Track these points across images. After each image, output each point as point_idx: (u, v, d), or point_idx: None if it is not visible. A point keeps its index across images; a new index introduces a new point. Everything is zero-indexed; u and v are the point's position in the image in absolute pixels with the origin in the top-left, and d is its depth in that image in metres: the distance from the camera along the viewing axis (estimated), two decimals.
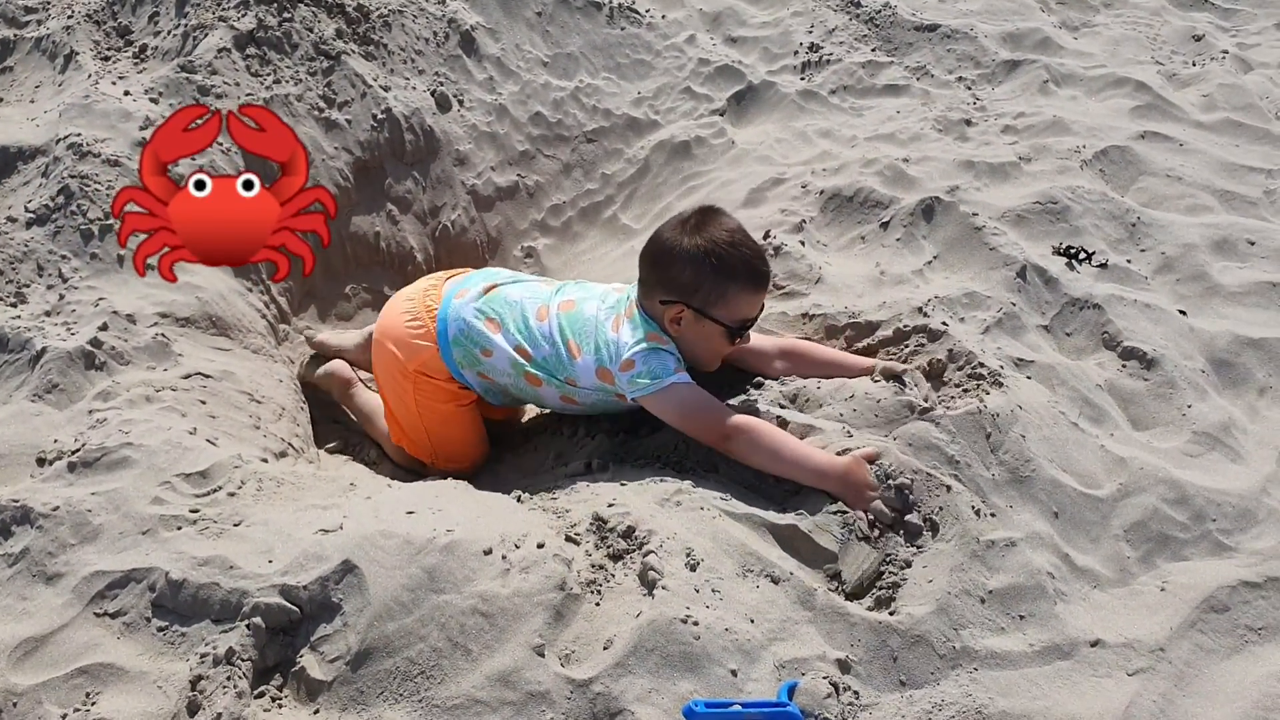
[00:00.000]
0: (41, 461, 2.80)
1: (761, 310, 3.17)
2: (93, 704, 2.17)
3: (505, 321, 3.30)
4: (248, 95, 4.30)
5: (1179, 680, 2.47)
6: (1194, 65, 5.94)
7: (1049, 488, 2.85)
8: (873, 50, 5.98)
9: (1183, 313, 3.72)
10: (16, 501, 2.59)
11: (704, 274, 3.00)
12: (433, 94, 4.95)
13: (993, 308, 3.46)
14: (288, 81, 4.48)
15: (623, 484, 2.84)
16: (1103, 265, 3.85)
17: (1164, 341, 3.49)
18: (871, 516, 2.68)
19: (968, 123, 5.04)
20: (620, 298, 3.26)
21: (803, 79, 5.73)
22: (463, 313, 3.36)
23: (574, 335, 3.20)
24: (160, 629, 2.32)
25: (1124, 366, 3.39)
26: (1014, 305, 3.48)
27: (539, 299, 3.36)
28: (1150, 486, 2.93)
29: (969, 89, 5.59)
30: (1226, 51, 6.12)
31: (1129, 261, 3.94)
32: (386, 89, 4.76)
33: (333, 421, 3.86)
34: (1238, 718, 2.37)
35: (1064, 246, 3.90)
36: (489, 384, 3.38)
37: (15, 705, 2.19)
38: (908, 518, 2.70)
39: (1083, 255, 3.87)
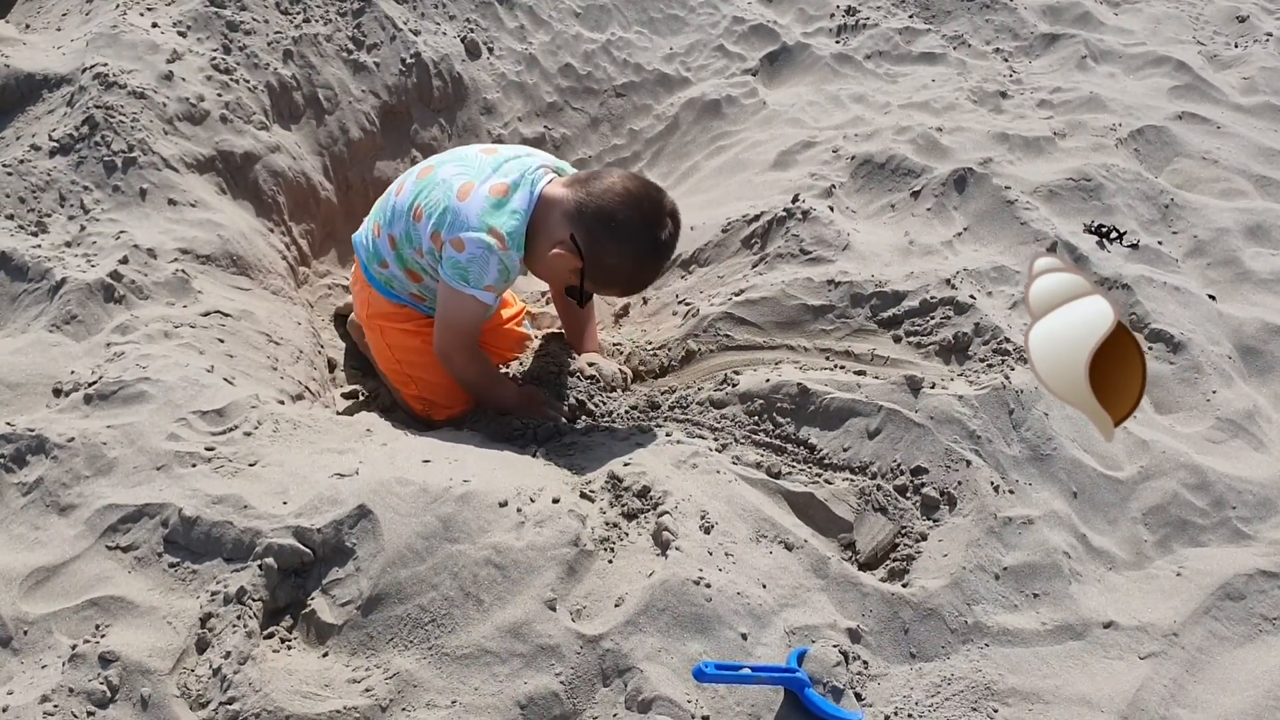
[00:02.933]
0: (58, 392, 2.79)
1: None
2: (102, 636, 2.16)
3: (381, 219, 3.20)
4: (276, 33, 4.26)
5: (1191, 666, 2.45)
6: (1236, 47, 5.84)
7: (1069, 467, 2.83)
8: (910, 17, 5.90)
9: (1212, 297, 3.68)
10: (32, 431, 2.58)
11: (620, 269, 2.97)
12: (463, 40, 4.90)
13: (1021, 283, 3.42)
14: (317, 21, 4.43)
15: (639, 444, 2.82)
16: (1134, 246, 3.80)
17: (1192, 325, 3.44)
18: (552, 422, 3.06)
19: (1003, 95, 4.96)
20: (491, 162, 3.05)
21: (838, 42, 5.65)
22: (362, 235, 3.33)
23: (421, 199, 3.04)
24: (172, 565, 2.32)
25: (1150, 349, 3.35)
26: None
27: (403, 177, 3.22)
28: (1171, 471, 2.90)
29: (1006, 61, 5.51)
30: (1270, 34, 6.01)
31: (1160, 243, 3.89)
32: (416, 33, 4.71)
33: (352, 368, 3.85)
34: (1248, 706, 2.35)
35: (1095, 225, 3.85)
36: (420, 302, 3.30)
37: (26, 633, 2.19)
38: (925, 490, 2.70)
39: (1114, 234, 3.82)
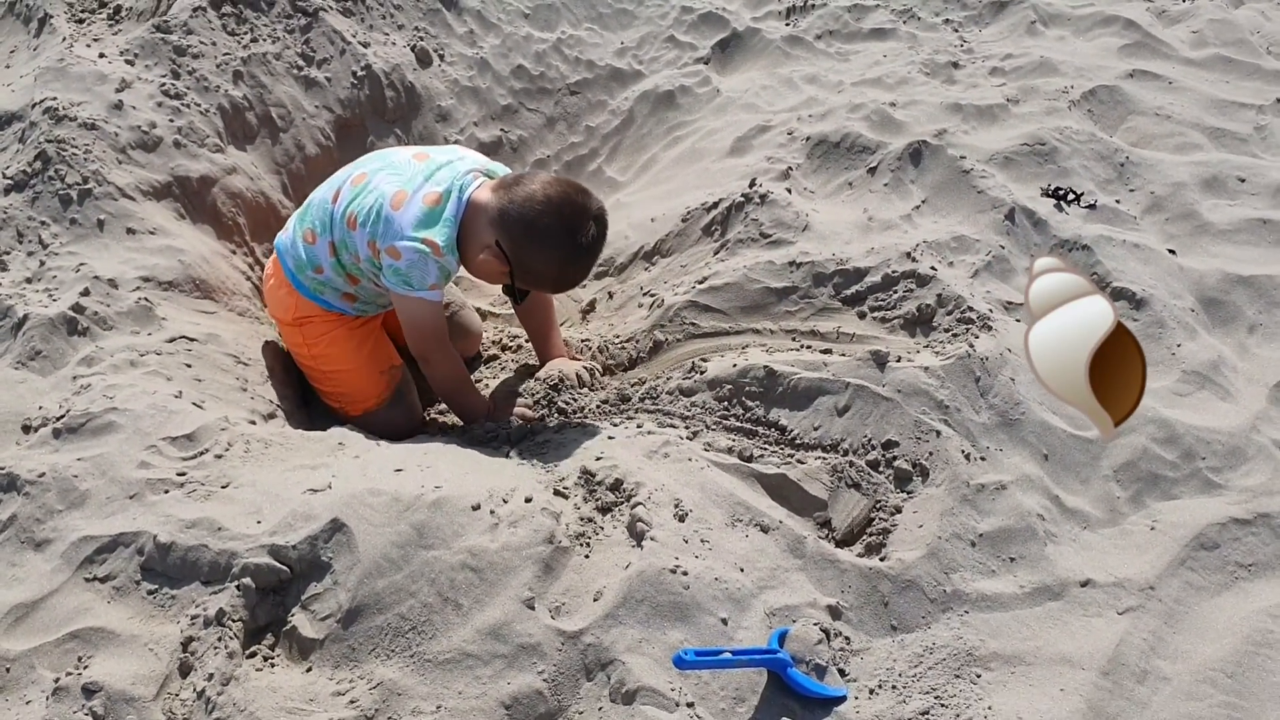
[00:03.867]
0: (27, 429, 2.78)
1: None
2: (85, 667, 2.17)
3: (316, 226, 3.21)
4: (225, 55, 4.24)
5: (1169, 618, 2.48)
6: (1184, 1, 5.86)
7: (1039, 430, 2.85)
8: None
9: (1172, 252, 3.71)
10: (3, 469, 2.58)
11: (546, 272, 3.02)
12: (413, 49, 4.89)
13: (981, 251, 3.44)
14: (265, 40, 4.42)
15: (610, 437, 2.83)
16: (1091, 206, 3.82)
17: (1153, 281, 3.47)
18: (517, 420, 3.15)
19: (955, 65, 4.98)
20: (423, 170, 3.08)
21: (788, 24, 5.66)
22: (287, 241, 3.33)
23: (355, 207, 3.08)
24: (150, 592, 2.32)
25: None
26: (1003, 248, 3.46)
27: (336, 183, 3.24)
28: (1140, 426, 2.92)
29: (956, 31, 5.53)
30: None
31: (1118, 202, 3.92)
32: (366, 45, 4.70)
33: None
34: (1227, 653, 2.38)
35: (1052, 188, 3.88)
36: (352, 303, 3.32)
37: (8, 670, 2.19)
38: (896, 463, 2.72)
39: (1071, 196, 3.84)
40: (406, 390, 3.46)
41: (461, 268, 3.14)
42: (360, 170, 3.19)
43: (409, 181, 3.03)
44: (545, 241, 2.92)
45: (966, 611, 2.43)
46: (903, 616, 2.40)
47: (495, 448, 2.94)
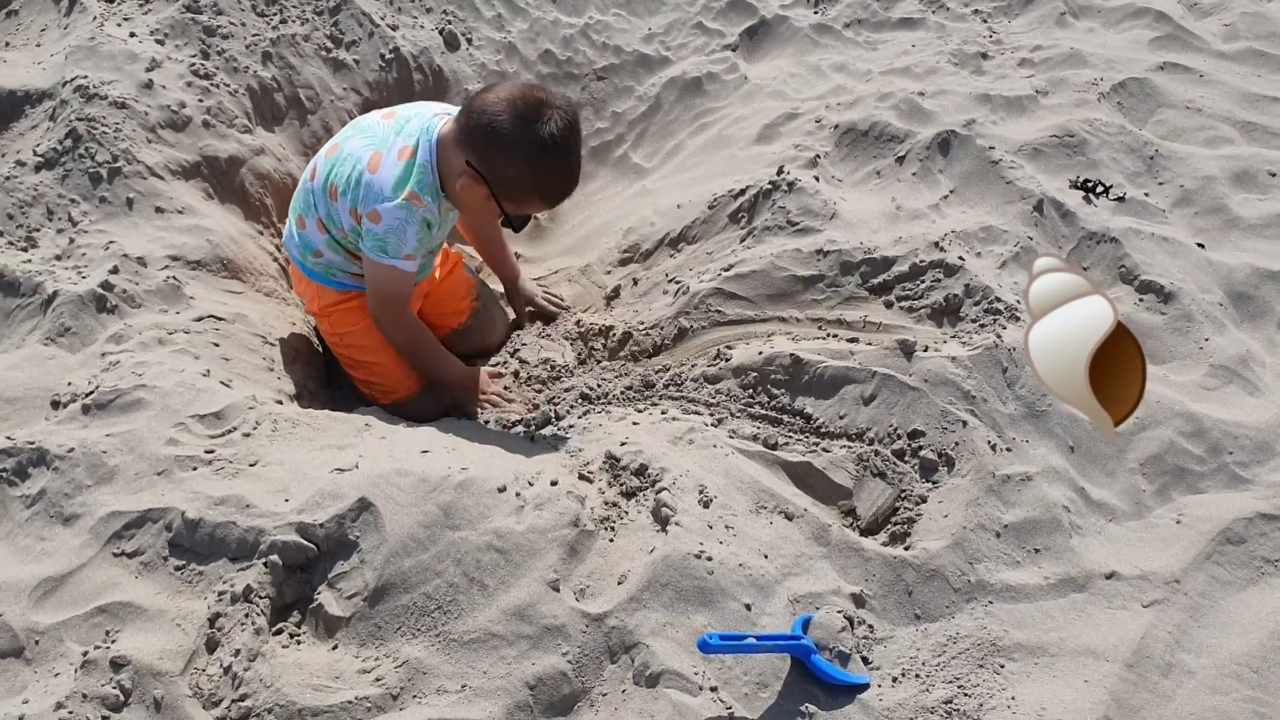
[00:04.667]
0: (56, 404, 2.81)
1: None
2: (113, 642, 2.18)
3: (302, 208, 3.24)
4: (254, 36, 4.25)
5: (1194, 612, 2.47)
6: None
7: (1065, 422, 2.84)
8: None
9: (1201, 246, 3.68)
10: (32, 444, 2.60)
11: (521, 177, 2.93)
12: (441, 32, 4.89)
13: (1009, 242, 3.42)
14: (294, 21, 4.43)
15: (635, 423, 2.83)
16: (1120, 198, 3.80)
17: (1181, 275, 3.45)
18: (490, 407, 3.18)
19: (984, 56, 4.95)
20: (393, 127, 3.08)
21: (816, 13, 5.63)
22: (287, 235, 3.37)
23: (335, 177, 3.08)
24: (178, 568, 2.34)
25: (1141, 300, 3.35)
26: (1031, 239, 3.44)
27: (313, 162, 3.26)
28: (1167, 420, 2.91)
29: (985, 22, 5.48)
30: None
31: (1147, 195, 3.89)
32: (394, 28, 4.70)
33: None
34: (1253, 648, 2.38)
35: (1081, 180, 3.85)
36: (363, 280, 3.31)
37: (37, 643, 2.22)
38: (922, 452, 2.71)
39: (1100, 189, 3.81)
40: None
41: (456, 218, 3.16)
42: (333, 142, 3.22)
43: (382, 142, 3.03)
44: (507, 143, 2.84)
45: (991, 602, 2.42)
46: (927, 606, 2.40)
47: (521, 431, 2.95)
